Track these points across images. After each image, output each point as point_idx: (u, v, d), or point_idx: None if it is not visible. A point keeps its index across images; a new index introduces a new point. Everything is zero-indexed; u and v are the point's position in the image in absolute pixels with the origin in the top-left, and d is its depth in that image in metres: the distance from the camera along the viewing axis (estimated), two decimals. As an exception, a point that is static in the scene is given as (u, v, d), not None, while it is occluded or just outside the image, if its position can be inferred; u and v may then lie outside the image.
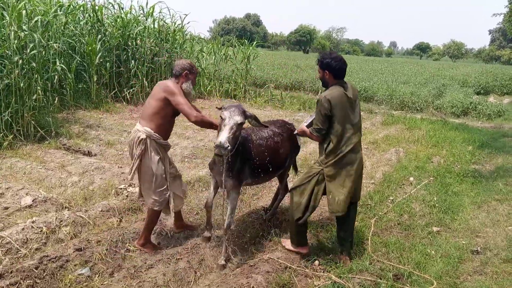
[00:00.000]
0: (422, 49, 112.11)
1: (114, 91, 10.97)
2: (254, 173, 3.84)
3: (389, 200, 5.41)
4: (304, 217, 3.64)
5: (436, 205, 5.27)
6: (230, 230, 3.77)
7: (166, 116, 3.66)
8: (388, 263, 3.75)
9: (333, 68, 3.54)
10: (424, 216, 4.95)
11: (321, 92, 3.88)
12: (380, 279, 3.45)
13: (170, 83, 3.68)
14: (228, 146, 3.19)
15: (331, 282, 3.35)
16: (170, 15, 27.70)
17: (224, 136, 3.23)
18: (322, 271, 3.61)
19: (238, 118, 3.37)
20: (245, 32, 76.57)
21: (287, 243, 3.95)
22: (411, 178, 6.34)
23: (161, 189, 3.71)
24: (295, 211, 3.67)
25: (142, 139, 3.60)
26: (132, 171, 3.67)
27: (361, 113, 3.50)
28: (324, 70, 3.61)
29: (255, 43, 14.59)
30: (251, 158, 3.77)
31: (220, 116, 3.40)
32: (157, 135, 3.63)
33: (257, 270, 3.48)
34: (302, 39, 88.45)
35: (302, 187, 3.65)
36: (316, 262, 3.75)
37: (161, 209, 3.80)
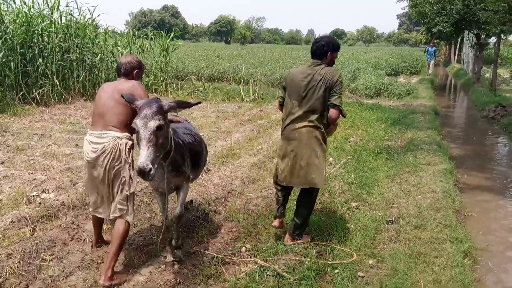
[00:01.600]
0: (338, 36, 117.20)
1: (21, 93, 10.12)
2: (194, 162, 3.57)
3: (311, 181, 5.60)
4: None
5: (354, 181, 5.57)
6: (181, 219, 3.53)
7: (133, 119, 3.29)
8: (312, 242, 3.89)
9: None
10: (344, 193, 5.21)
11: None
12: (304, 257, 3.58)
13: (134, 84, 3.34)
14: (151, 168, 2.64)
15: (258, 266, 3.41)
16: (78, 8, 25.97)
17: (143, 157, 2.65)
18: (249, 256, 3.66)
19: (154, 123, 2.75)
20: (164, 24, 74.68)
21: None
22: (331, 159, 6.63)
23: (133, 196, 3.38)
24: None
25: (130, 145, 3.26)
26: (132, 180, 3.26)
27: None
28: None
29: (172, 34, 14.26)
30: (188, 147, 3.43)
31: (133, 126, 2.89)
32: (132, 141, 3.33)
33: (183, 265, 3.44)
34: (223, 30, 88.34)
35: None
36: (243, 249, 3.79)
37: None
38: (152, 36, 14.47)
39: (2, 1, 10.41)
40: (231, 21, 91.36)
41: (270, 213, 4.55)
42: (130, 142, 3.28)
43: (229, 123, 9.08)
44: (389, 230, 4.22)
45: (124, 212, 3.29)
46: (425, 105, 12.23)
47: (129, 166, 3.26)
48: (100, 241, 3.77)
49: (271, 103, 11.93)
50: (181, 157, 3.29)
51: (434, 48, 22.38)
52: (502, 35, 17.89)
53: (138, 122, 2.79)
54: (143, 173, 2.62)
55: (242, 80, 14.68)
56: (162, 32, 14.26)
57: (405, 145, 7.52)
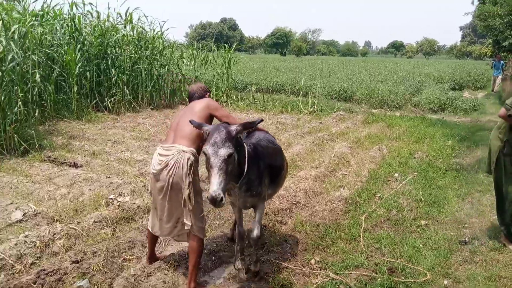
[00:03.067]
0: (396, 48, 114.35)
1: (95, 101, 10.86)
2: (273, 178, 3.53)
3: (377, 197, 5.54)
4: None
5: (422, 199, 5.42)
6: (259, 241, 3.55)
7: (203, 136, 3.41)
8: (382, 258, 3.85)
9: None
10: (412, 211, 5.09)
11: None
12: (376, 273, 3.55)
13: (208, 101, 3.49)
14: (222, 197, 2.63)
15: (330, 279, 3.43)
16: (148, 22, 27.51)
17: (215, 185, 2.64)
18: (319, 269, 3.68)
19: (225, 151, 2.75)
20: (222, 36, 76.77)
21: None
22: (396, 174, 6.50)
23: (203, 213, 3.42)
24: None
25: (192, 161, 3.25)
26: (189, 200, 3.23)
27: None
28: None
29: (234, 46, 14.66)
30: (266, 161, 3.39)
31: (203, 152, 2.86)
32: (197, 156, 3.37)
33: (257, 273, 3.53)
34: (279, 42, 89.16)
35: None
36: (312, 261, 3.82)
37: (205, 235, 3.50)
38: (216, 48, 14.96)
39: (82, 15, 11.27)
40: (287, 33, 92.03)
41: (336, 227, 4.55)
42: (193, 158, 3.26)
43: (288, 135, 9.16)
44: (463, 250, 4.07)
45: (190, 227, 3.27)
46: (494, 121, 11.60)
47: (190, 181, 3.22)
48: (153, 258, 3.76)
49: (330, 116, 11.88)
50: (258, 176, 3.24)
51: (502, 62, 20.28)
52: None
53: (208, 149, 2.78)
54: (214, 202, 2.62)
55: (301, 92, 14.74)
56: (224, 44, 14.71)
57: (475, 163, 7.19)
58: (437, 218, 4.90)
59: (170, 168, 3.20)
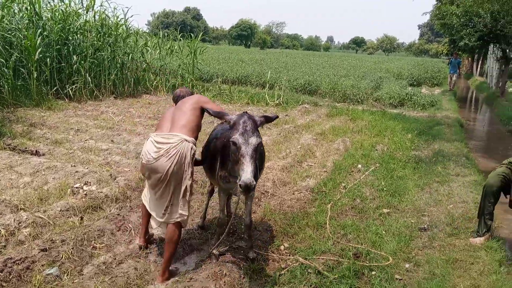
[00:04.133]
0: (358, 44, 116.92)
1: (55, 88, 10.49)
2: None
3: (341, 186, 5.74)
4: None
5: (384, 189, 5.67)
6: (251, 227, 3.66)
7: (199, 130, 3.52)
8: (348, 244, 4.02)
9: None
10: (375, 200, 5.32)
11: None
12: (342, 258, 3.72)
13: (198, 95, 3.67)
14: (255, 183, 2.69)
15: (299, 264, 3.56)
16: (111, 8, 26.70)
17: (248, 173, 2.65)
18: (288, 254, 3.81)
19: (256, 140, 2.82)
20: (185, 26, 75.50)
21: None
22: (359, 165, 6.74)
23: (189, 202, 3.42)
24: None
25: (194, 151, 3.28)
26: (190, 190, 3.27)
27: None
28: None
29: (200, 36, 14.53)
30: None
31: (232, 142, 2.83)
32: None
33: (227, 259, 3.61)
34: (243, 34, 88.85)
35: None
36: (282, 247, 3.94)
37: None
38: (181, 38, 14.78)
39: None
40: (251, 25, 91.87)
41: (304, 215, 4.70)
42: (195, 148, 3.28)
43: (256, 126, 9.22)
44: (422, 237, 4.32)
45: (185, 217, 3.31)
46: (450, 117, 12.21)
47: (192, 171, 3.25)
48: (147, 234, 3.83)
49: (296, 108, 12.08)
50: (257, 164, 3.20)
51: (458, 60, 21.02)
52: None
53: (239, 138, 2.80)
54: (248, 189, 2.62)
55: (267, 85, 14.86)
56: (190, 34, 14.55)
57: (433, 156, 7.57)
58: (398, 206, 5.15)
59: (171, 156, 3.16)
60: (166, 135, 3.29)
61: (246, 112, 3.08)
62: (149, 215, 3.68)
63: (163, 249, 3.77)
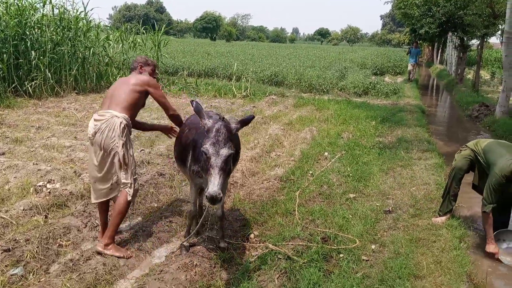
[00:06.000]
0: (323, 35, 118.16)
1: (13, 85, 10.07)
2: None
3: (309, 174, 5.83)
4: None
5: (350, 174, 5.81)
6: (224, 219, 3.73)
7: (138, 108, 3.73)
8: (316, 229, 4.11)
9: None
10: (341, 185, 5.45)
11: None
12: (311, 242, 3.80)
13: (145, 77, 3.73)
14: (222, 197, 2.64)
15: (268, 251, 3.61)
16: (70, 1, 25.78)
17: (216, 185, 2.59)
18: (258, 242, 3.85)
19: (227, 152, 2.73)
20: (149, 19, 73.89)
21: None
22: (326, 153, 6.86)
23: (135, 176, 3.60)
24: None
25: (124, 125, 3.46)
26: (124, 160, 3.45)
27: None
28: None
29: (163, 29, 14.29)
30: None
31: (202, 151, 2.79)
32: (130, 122, 3.61)
33: (198, 250, 3.61)
34: (208, 26, 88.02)
35: None
36: (252, 235, 3.98)
37: (134, 200, 3.70)
38: (144, 31, 14.48)
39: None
40: (216, 17, 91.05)
41: (273, 203, 4.75)
42: (125, 122, 3.48)
43: (223, 118, 9.21)
44: (387, 219, 4.46)
45: (129, 185, 3.50)
46: (412, 104, 12.60)
47: (123, 143, 3.44)
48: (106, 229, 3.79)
49: (263, 100, 12.12)
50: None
51: (418, 49, 20.99)
52: (485, 38, 18.47)
53: (209, 148, 2.72)
54: (214, 201, 2.57)
55: (234, 77, 14.82)
56: (150, 27, 14.27)
57: (396, 141, 7.81)
58: (363, 191, 5.29)
59: (103, 131, 3.40)
60: (102, 112, 3.53)
61: (223, 118, 2.94)
62: (105, 212, 3.76)
63: (130, 244, 3.75)
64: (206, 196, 2.59)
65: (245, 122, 3.00)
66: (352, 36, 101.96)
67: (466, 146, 4.41)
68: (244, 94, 12.66)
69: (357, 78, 15.80)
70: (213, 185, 2.60)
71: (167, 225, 4.17)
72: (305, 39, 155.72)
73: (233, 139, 2.89)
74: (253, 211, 4.54)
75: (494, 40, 28.21)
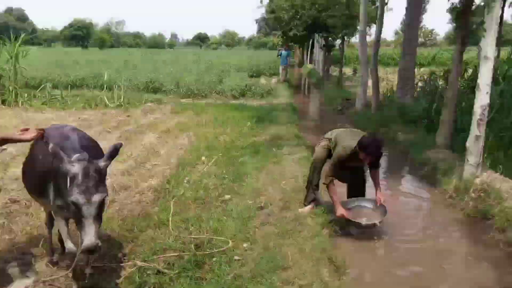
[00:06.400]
0: (202, 39, 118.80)
1: None
2: None
3: (185, 181, 5.73)
4: None
5: (226, 176, 5.86)
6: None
7: None
8: (189, 236, 4.03)
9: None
10: (217, 188, 5.45)
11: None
12: (183, 252, 3.71)
13: None
14: (100, 244, 2.47)
15: (136, 268, 3.42)
16: None
17: (92, 235, 2.41)
18: (127, 261, 3.63)
19: (100, 197, 2.52)
20: (8, 28, 66.34)
21: None
22: (203, 157, 6.83)
23: None
24: None
25: None
26: None
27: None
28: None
29: (21, 38, 12.87)
30: None
31: (71, 202, 2.50)
32: None
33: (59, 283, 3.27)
34: (78, 34, 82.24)
35: None
36: (120, 255, 3.74)
37: None
38: (-1, 42, 12.85)
39: None
40: (87, 24, 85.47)
41: (146, 216, 4.55)
42: None
43: (94, 131, 8.61)
44: (260, 215, 4.58)
45: None
46: (284, 103, 13.33)
47: None
48: None
49: (139, 108, 11.69)
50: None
51: (288, 51, 21.67)
52: (345, 38, 20.38)
53: (79, 198, 2.45)
54: (93, 251, 2.43)
55: (105, 86, 14.01)
56: (7, 37, 12.75)
57: (270, 139, 8.14)
58: (238, 191, 5.37)
59: None
60: None
61: (88, 160, 2.61)
62: None
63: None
64: (82, 249, 2.39)
65: (112, 155, 2.73)
66: (230, 40, 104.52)
67: (324, 137, 4.76)
68: (118, 103, 12.05)
69: (234, 81, 16.17)
70: (90, 236, 2.41)
71: (19, 259, 3.69)
72: (185, 44, 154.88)
73: (103, 179, 2.62)
74: (123, 228, 4.27)
75: (355, 40, 31.42)
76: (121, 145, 2.86)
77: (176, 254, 3.67)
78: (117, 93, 12.68)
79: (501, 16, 11.18)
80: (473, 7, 6.49)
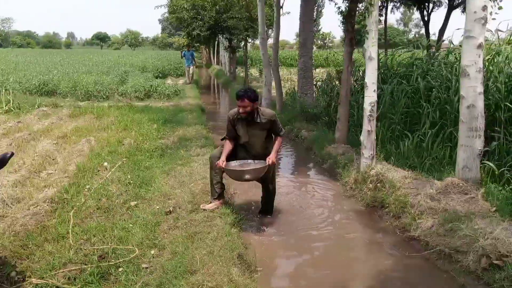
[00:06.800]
0: (102, 39, 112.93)
1: None
2: None
3: (86, 189, 5.38)
4: None
5: (131, 182, 5.63)
6: None
7: None
8: (92, 248, 3.80)
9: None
10: (122, 195, 5.21)
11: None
12: (85, 264, 3.48)
13: None
14: None
15: (33, 286, 3.14)
16: None
17: None
18: (21, 280, 3.31)
19: None
20: None
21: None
22: (106, 163, 6.49)
23: None
24: None
25: None
26: None
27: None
28: (255, 102, 4.62)
29: None
30: None
31: None
32: None
33: None
34: (-45, 31, 73.01)
35: None
36: (13, 273, 3.40)
37: None
38: None
39: None
40: (-36, 21, 76.17)
41: (42, 230, 4.20)
42: None
43: (-23, 141, 7.73)
44: (168, 220, 4.48)
45: None
46: (192, 103, 13.20)
47: None
48: None
49: (31, 113, 10.72)
50: None
51: (191, 51, 21.06)
52: (248, 39, 20.82)
53: None
54: None
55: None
56: None
57: (177, 141, 8.01)
58: (145, 196, 5.19)
59: None
60: None
61: None
62: None
63: None
64: None
65: None
66: (133, 40, 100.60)
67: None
68: (6, 108, 10.92)
69: (138, 82, 15.61)
70: None
71: None
72: (83, 44, 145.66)
73: None
74: (16, 245, 3.88)
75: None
76: (12, 154, 2.58)
77: (77, 267, 3.44)
78: (5, 97, 11.47)
79: (385, 20, 12.35)
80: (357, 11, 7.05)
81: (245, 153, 4.89)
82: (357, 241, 4.69)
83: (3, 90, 11.98)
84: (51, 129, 9.00)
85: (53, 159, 6.81)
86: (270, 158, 4.62)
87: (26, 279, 3.31)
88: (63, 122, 9.91)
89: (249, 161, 4.81)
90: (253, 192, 5.86)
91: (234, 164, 4.75)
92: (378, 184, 5.57)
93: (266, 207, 5.19)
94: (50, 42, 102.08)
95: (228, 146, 4.76)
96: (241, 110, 4.61)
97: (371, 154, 5.92)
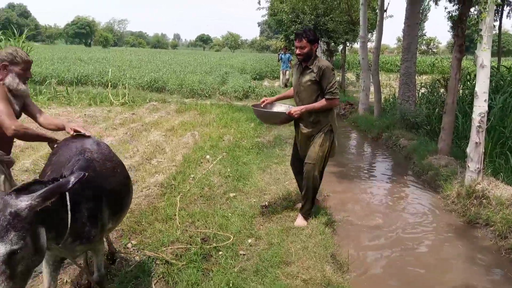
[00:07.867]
0: (204, 41, 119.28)
1: None
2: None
3: (190, 178, 5.85)
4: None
5: (230, 175, 5.98)
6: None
7: None
8: (196, 230, 4.15)
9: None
10: (222, 186, 5.58)
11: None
12: (190, 244, 3.83)
13: None
14: None
15: (146, 257, 3.54)
16: None
17: None
18: (136, 250, 3.75)
19: (3, 249, 1.67)
20: (11, 24, 66.64)
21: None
22: (208, 156, 6.96)
23: None
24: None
25: None
26: None
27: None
28: (313, 43, 4.13)
29: (25, 34, 13.02)
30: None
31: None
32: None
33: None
34: (81, 32, 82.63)
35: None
36: (129, 245, 3.86)
37: None
38: (2, 37, 12.99)
39: None
40: (90, 22, 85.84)
41: (153, 210, 4.67)
42: None
43: (99, 128, 8.77)
44: (264, 213, 4.71)
45: None
46: (287, 104, 13.40)
47: None
48: None
49: (143, 106, 11.81)
50: (91, 216, 2.33)
51: (288, 54, 20.74)
52: (347, 43, 20.53)
53: None
54: None
55: (110, 84, 14.14)
56: (11, 32, 12.88)
57: (273, 140, 8.27)
58: (243, 189, 5.49)
59: None
60: None
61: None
62: None
63: None
64: None
65: (50, 192, 1.82)
66: (233, 43, 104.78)
67: None
68: (122, 101, 12.17)
69: (237, 82, 16.31)
70: None
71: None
72: (188, 46, 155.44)
73: (17, 225, 1.73)
74: (131, 221, 4.39)
75: (357, 45, 31.59)
76: (84, 175, 1.98)
77: (183, 246, 3.79)
78: (121, 91, 12.80)
79: (500, 26, 11.34)
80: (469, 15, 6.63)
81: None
82: (455, 258, 4.42)
83: (120, 85, 13.35)
84: (160, 122, 9.84)
85: (162, 149, 7.48)
86: (293, 108, 4.24)
87: (140, 250, 3.74)
88: (170, 116, 10.77)
89: (284, 106, 4.82)
90: (347, 196, 5.87)
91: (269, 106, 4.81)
92: (484, 200, 5.21)
93: (302, 198, 4.48)
94: (159, 42, 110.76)
95: (287, 92, 4.86)
96: (297, 51, 4.14)
97: (478, 168, 5.54)
